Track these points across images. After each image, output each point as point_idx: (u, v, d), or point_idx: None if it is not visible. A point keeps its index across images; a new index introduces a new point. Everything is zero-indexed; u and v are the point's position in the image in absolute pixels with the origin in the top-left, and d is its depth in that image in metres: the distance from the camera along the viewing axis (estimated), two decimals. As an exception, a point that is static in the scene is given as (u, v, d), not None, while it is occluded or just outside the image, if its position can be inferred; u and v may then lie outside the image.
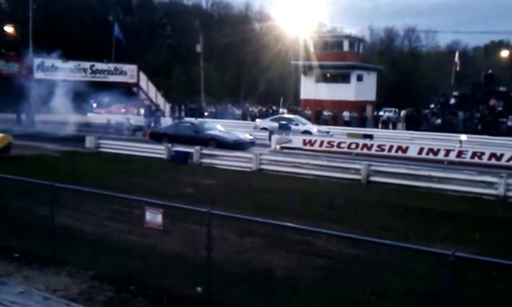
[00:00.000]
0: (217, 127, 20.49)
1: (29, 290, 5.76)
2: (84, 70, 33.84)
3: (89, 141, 19.31)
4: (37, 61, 32.09)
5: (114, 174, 13.71)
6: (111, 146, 19.06)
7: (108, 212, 8.09)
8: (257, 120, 28.57)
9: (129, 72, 36.09)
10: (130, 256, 6.78)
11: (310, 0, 40.78)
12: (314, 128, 25.00)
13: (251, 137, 20.12)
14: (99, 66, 34.55)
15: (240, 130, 22.18)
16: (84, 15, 49.37)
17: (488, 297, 5.64)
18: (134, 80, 36.55)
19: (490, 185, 11.72)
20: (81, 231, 7.78)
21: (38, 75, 31.70)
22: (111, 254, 6.80)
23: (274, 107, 38.53)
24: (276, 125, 25.27)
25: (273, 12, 58.64)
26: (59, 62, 32.39)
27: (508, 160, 16.59)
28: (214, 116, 35.52)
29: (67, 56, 32.54)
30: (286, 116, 28.21)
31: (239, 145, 18.22)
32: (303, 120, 27.20)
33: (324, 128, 25.98)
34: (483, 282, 5.82)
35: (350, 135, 22.99)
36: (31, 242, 7.29)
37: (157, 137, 19.96)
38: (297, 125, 25.30)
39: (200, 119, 25.62)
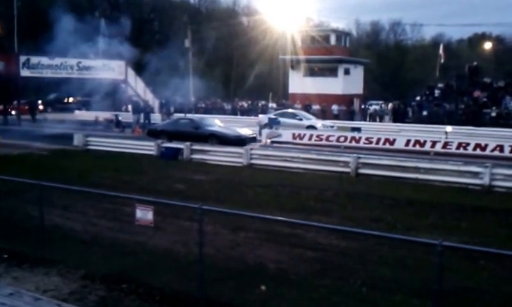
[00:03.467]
0: (217, 123, 20.07)
1: (18, 291, 5.70)
2: (71, 67, 33.37)
3: (78, 139, 19.13)
4: (23, 58, 31.52)
5: (103, 171, 13.60)
6: (100, 143, 18.85)
7: (98, 210, 8.07)
8: (260, 115, 28.14)
9: (117, 68, 35.63)
10: (121, 254, 6.76)
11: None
12: (319, 123, 24.67)
13: (252, 133, 19.78)
14: (86, 62, 33.99)
15: (237, 126, 21.85)
16: (70, 12, 48.84)
17: (474, 285, 5.74)
18: (122, 77, 36.15)
19: (475, 175, 11.88)
20: (71, 230, 7.75)
21: (24, 72, 31.23)
22: (102, 253, 6.79)
23: (263, 102, 38.53)
24: (282, 120, 24.54)
25: (260, 6, 58.51)
26: (45, 59, 31.87)
27: (492, 150, 16.85)
28: (203, 111, 35.40)
29: (53, 53, 32.08)
30: (290, 111, 27.84)
31: (240, 141, 17.79)
32: (308, 115, 26.94)
33: (328, 122, 25.68)
34: (470, 270, 5.95)
35: (341, 128, 23.14)
36: (20, 242, 7.20)
37: (155, 134, 19.53)
38: (301, 119, 24.99)
39: (198, 115, 25.28)
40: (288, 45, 37.67)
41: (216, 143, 17.36)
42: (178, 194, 10.57)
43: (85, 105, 39.77)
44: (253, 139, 19.06)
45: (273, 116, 25.37)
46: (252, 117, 31.32)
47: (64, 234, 7.49)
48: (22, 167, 13.67)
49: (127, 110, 31.90)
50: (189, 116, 24.18)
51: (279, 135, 21.00)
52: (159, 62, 29.71)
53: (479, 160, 14.59)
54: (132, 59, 32.90)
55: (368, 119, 33.31)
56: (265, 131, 21.60)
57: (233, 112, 36.37)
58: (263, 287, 5.68)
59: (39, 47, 31.91)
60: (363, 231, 6.17)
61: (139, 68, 35.84)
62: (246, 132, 19.62)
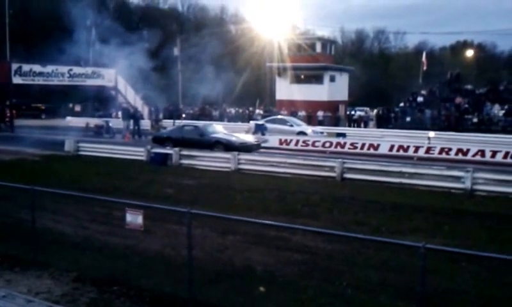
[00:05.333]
0: (221, 130, 19.90)
1: (11, 293, 5.74)
2: (62, 74, 33.64)
3: (69, 145, 19.12)
4: (15, 65, 31.62)
5: (94, 176, 13.64)
6: (91, 149, 18.89)
7: (89, 214, 8.12)
8: (251, 122, 28.33)
9: (107, 76, 36.01)
10: (112, 257, 6.82)
11: (284, 4, 41.33)
12: (309, 129, 24.86)
13: (256, 140, 19.80)
14: (77, 70, 34.40)
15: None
16: (61, 20, 48.90)
17: (457, 287, 5.86)
18: (112, 84, 36.47)
19: (457, 179, 12.06)
20: (63, 234, 7.79)
21: (16, 80, 31.29)
22: (93, 256, 6.84)
23: (250, 108, 38.79)
24: (272, 126, 24.88)
25: (248, 15, 58.91)
26: (37, 67, 32.08)
27: (474, 155, 17.13)
28: (191, 117, 35.56)
29: (45, 60, 32.34)
30: (280, 117, 27.97)
31: (245, 148, 17.58)
32: (298, 121, 27.17)
33: (318, 128, 25.94)
34: (453, 272, 6.07)
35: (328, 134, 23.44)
36: (12, 245, 7.24)
37: (160, 141, 19.40)
38: (292, 126, 25.18)
39: (204, 122, 25.29)
40: (275, 53, 38.05)
41: (221, 150, 17.13)
42: (167, 198, 10.63)
43: (47, 112, 39.85)
44: (258, 146, 18.84)
45: (260, 122, 25.56)
46: (239, 123, 31.58)
47: (56, 238, 7.53)
48: (14, 173, 13.65)
49: (117, 117, 32.10)
50: (193, 122, 24.22)
51: (265, 141, 21.17)
52: (149, 69, 29.92)
53: (461, 164, 14.81)
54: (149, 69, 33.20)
55: (353, 125, 33.74)
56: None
57: (221, 118, 36.58)
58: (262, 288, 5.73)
59: (31, 54, 32.07)
60: (349, 234, 6.25)
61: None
62: (250, 138, 19.55)
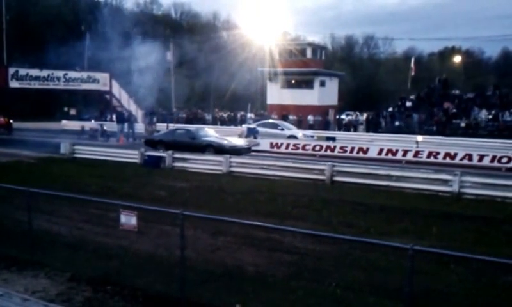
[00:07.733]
0: (212, 133, 20.11)
1: (8, 292, 5.81)
2: (58, 79, 34.09)
3: (64, 147, 19.29)
4: (11, 70, 32.19)
5: (89, 179, 13.72)
6: (86, 151, 19.05)
7: (84, 215, 8.18)
8: (243, 125, 28.52)
9: (102, 80, 36.53)
10: (106, 257, 6.92)
11: (275, 10, 41.74)
12: (300, 133, 25.22)
13: (247, 143, 20.07)
14: (72, 74, 34.91)
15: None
16: (57, 26, 48.91)
17: (444, 288, 5.97)
18: (106, 88, 36.94)
19: (445, 182, 12.23)
20: (58, 235, 7.87)
21: (13, 84, 31.72)
22: (88, 256, 6.94)
23: (242, 112, 39.01)
24: (263, 130, 25.19)
25: (240, 21, 59.21)
26: (33, 71, 32.56)
27: (461, 159, 17.37)
28: (184, 121, 35.80)
29: (41, 65, 32.67)
30: (272, 121, 28.27)
31: (236, 151, 17.81)
32: (289, 125, 27.51)
33: (309, 132, 26.29)
34: (440, 273, 6.19)
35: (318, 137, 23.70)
36: (9, 246, 7.32)
37: (153, 144, 19.61)
38: (283, 129, 25.47)
39: (195, 126, 25.47)
40: (267, 58, 38.38)
41: (212, 153, 17.30)
42: (160, 200, 10.72)
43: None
44: (248, 149, 19.06)
45: (252, 126, 25.76)
46: (232, 127, 31.86)
47: (52, 238, 7.61)
48: (11, 175, 13.68)
49: (111, 120, 32.31)
50: (185, 126, 24.44)
51: (257, 144, 21.33)
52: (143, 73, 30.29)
53: (449, 168, 14.92)
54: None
55: (342, 129, 34.06)
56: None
57: (214, 122, 36.84)
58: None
59: (27, 59, 32.63)
60: (338, 236, 6.35)
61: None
62: (240, 142, 19.79)
